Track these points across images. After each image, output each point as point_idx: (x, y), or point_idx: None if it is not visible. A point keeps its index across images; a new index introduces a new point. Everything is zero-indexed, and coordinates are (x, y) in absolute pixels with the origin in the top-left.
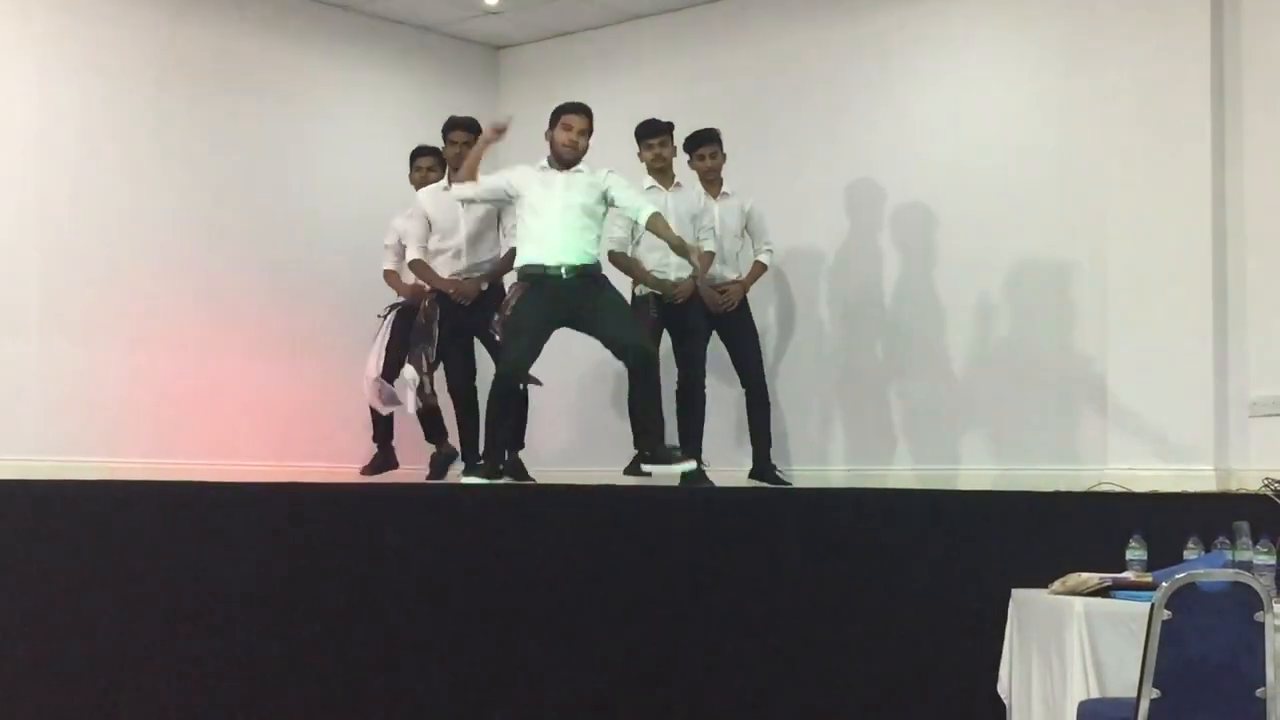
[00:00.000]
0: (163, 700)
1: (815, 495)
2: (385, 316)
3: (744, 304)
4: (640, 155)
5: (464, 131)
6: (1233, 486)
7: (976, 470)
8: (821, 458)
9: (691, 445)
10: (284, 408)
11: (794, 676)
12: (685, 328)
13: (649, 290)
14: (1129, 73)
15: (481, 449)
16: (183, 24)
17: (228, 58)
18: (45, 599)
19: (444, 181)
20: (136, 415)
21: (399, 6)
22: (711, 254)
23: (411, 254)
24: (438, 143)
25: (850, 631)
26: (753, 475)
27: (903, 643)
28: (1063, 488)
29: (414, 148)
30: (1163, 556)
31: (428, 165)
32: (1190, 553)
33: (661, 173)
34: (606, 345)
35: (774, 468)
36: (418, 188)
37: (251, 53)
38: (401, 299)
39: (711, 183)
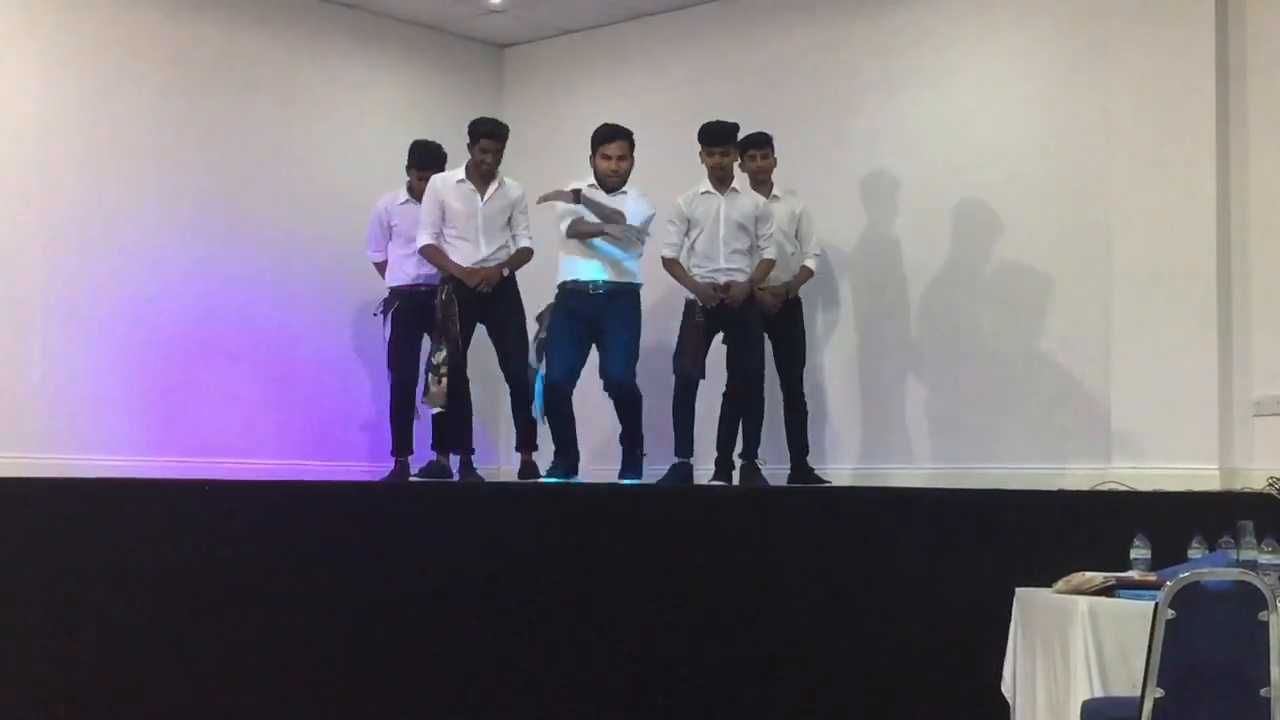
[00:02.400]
0: (167, 698)
1: (818, 494)
2: (385, 314)
3: (794, 308)
4: (702, 159)
5: (491, 140)
6: (1237, 485)
7: (980, 469)
8: (826, 457)
9: (749, 449)
10: (288, 406)
11: (797, 674)
12: (737, 334)
13: (693, 296)
14: (1133, 70)
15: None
16: (186, 22)
17: (231, 55)
18: (48, 598)
19: (460, 173)
20: (140, 414)
21: (404, 5)
22: (772, 261)
23: (423, 239)
24: (444, 138)
25: (853, 630)
26: (792, 479)
27: (906, 641)
28: (1067, 487)
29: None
30: (1167, 556)
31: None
32: (1194, 552)
33: (720, 180)
34: None
35: (810, 470)
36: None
37: (255, 50)
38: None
39: (762, 183)
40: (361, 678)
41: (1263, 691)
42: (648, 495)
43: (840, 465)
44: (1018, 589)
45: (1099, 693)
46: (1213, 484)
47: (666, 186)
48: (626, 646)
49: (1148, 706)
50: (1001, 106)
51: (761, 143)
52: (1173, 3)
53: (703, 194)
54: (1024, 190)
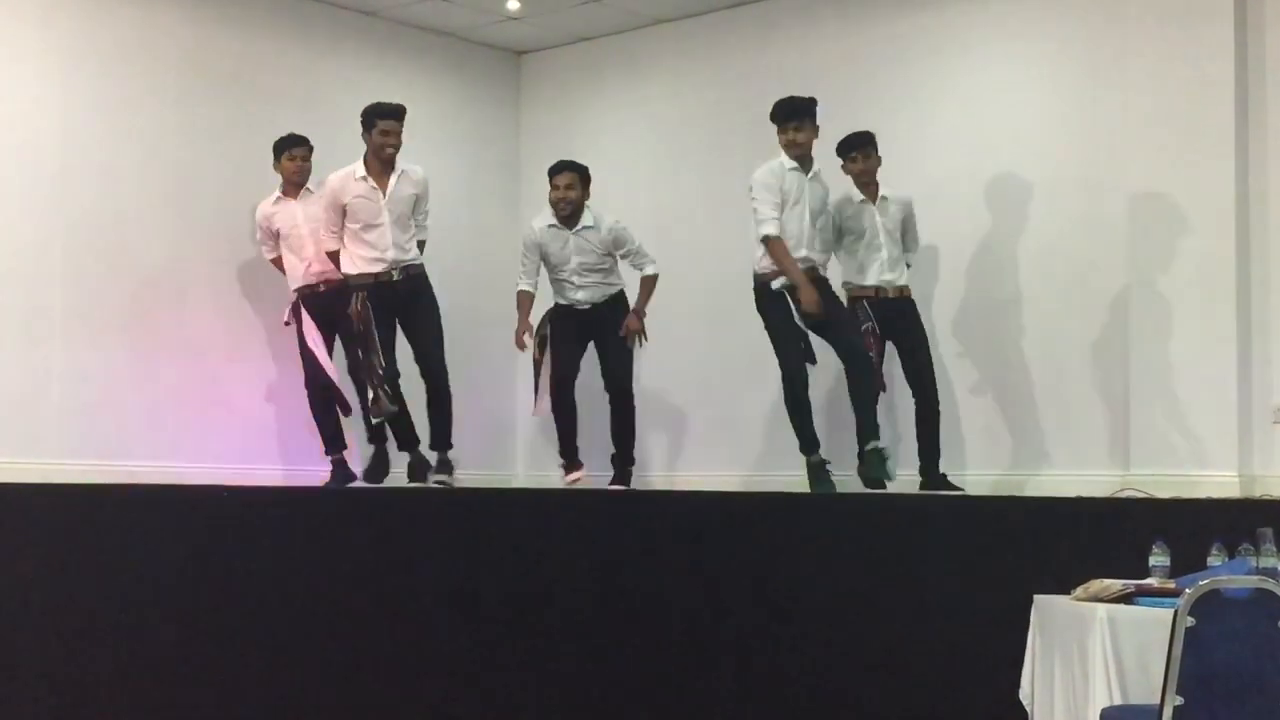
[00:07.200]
0: (173, 702)
1: (836, 501)
2: (293, 322)
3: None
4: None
5: (393, 120)
6: (1256, 492)
7: (998, 476)
8: (841, 463)
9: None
10: (304, 413)
11: (816, 680)
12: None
13: (784, 284)
14: (1152, 76)
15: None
16: (205, 29)
17: (250, 63)
18: (68, 602)
19: (361, 168)
20: (158, 420)
21: (421, 12)
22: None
23: (331, 244)
24: (462, 144)
25: (872, 637)
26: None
27: (924, 648)
28: (1085, 493)
29: (281, 137)
30: (1186, 563)
31: (302, 155)
32: (1214, 559)
33: (800, 159)
34: None
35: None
36: (288, 178)
37: (274, 58)
38: (296, 296)
39: (866, 185)
40: (371, 680)
41: None
42: (667, 501)
43: (849, 472)
44: (1036, 596)
45: (1118, 700)
46: (1232, 491)
47: (678, 193)
48: (646, 648)
49: (1167, 714)
50: (1017, 111)
51: (857, 144)
52: (1193, 3)
53: (790, 170)
54: (1043, 194)
